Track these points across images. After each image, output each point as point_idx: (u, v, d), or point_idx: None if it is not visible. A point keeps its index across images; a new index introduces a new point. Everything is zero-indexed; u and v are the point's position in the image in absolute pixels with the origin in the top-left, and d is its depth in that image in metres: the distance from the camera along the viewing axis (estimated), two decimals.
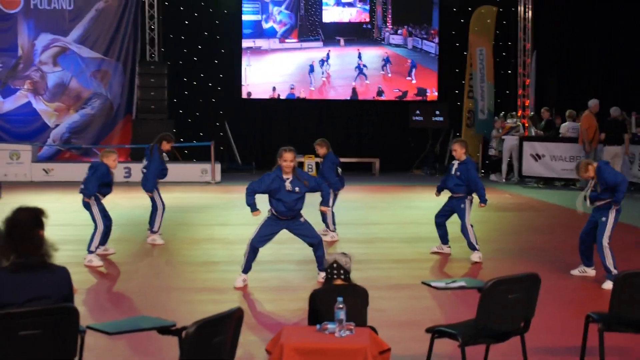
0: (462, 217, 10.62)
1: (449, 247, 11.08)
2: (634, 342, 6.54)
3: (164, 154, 12.08)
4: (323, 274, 8.88)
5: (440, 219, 10.95)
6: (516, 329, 5.70)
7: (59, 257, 4.94)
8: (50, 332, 4.41)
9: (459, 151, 10.70)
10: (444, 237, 11.03)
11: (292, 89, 22.57)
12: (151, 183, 11.77)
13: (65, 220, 12.66)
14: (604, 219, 9.31)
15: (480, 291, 5.56)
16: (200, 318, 4.45)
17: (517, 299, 5.62)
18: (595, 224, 9.46)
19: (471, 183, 10.53)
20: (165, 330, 5.05)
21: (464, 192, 10.64)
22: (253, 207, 8.95)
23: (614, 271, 9.19)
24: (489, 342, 5.77)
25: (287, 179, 8.75)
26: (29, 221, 4.80)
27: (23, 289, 4.58)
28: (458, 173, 10.61)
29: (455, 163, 10.72)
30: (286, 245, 10.32)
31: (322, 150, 12.25)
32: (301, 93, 22.72)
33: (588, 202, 9.52)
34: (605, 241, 9.30)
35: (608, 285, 9.17)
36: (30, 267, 4.66)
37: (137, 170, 19.76)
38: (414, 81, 23.06)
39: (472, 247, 10.70)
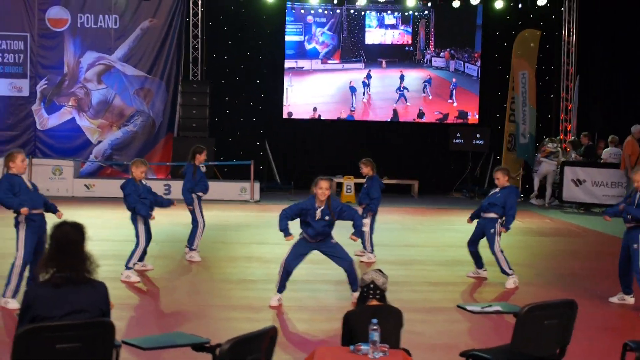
0: (491, 243, 10.52)
1: (485, 270, 11.00)
2: None
3: (202, 165, 12.17)
4: (357, 294, 8.96)
5: (473, 246, 10.89)
6: (551, 355, 5.64)
7: (98, 272, 5.00)
8: (87, 345, 4.45)
9: (501, 179, 10.64)
10: (478, 262, 10.97)
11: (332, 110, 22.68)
12: (187, 197, 11.92)
13: (105, 235, 12.74)
14: (635, 245, 9.17)
15: (516, 316, 5.51)
16: (235, 335, 4.47)
17: (553, 324, 5.57)
18: (627, 249, 9.36)
19: (507, 206, 10.43)
20: (200, 347, 5.06)
21: (497, 212, 10.52)
22: (286, 232, 9.08)
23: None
24: None
25: (319, 207, 8.89)
26: (77, 237, 4.88)
27: (64, 302, 4.64)
28: (498, 194, 10.57)
29: (497, 190, 10.68)
30: (321, 266, 10.32)
31: (366, 170, 12.31)
32: (342, 114, 22.73)
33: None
34: None
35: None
36: (73, 281, 4.72)
37: (177, 187, 19.94)
38: (455, 104, 22.96)
39: (505, 273, 10.58)
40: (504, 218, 10.55)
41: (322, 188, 8.88)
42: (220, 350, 4.38)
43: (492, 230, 10.50)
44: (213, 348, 4.92)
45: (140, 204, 10.30)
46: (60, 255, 4.79)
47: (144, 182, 10.65)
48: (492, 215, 10.55)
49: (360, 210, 11.91)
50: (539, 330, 5.51)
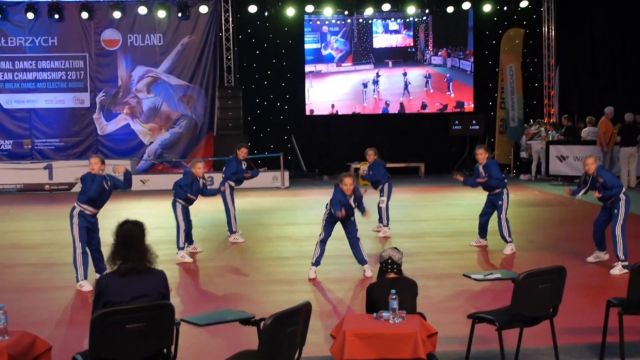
0: (500, 212, 10.55)
1: (486, 240, 10.99)
2: None
3: (242, 161, 12.25)
4: (366, 266, 9.20)
5: (484, 217, 10.88)
6: (546, 314, 5.65)
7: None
8: (151, 325, 4.50)
9: (484, 155, 10.60)
10: (483, 232, 10.95)
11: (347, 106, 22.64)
12: (223, 181, 12.10)
13: (159, 223, 12.75)
14: (616, 210, 9.17)
15: (514, 282, 5.52)
16: (274, 307, 4.49)
17: (546, 288, 5.57)
18: (608, 213, 9.33)
19: (494, 174, 10.43)
20: (246, 321, 5.11)
21: (500, 185, 10.53)
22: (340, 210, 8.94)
23: (623, 258, 9.07)
24: (522, 326, 5.72)
25: (350, 197, 8.93)
26: (138, 232, 4.92)
27: (130, 289, 4.69)
28: (484, 174, 10.50)
29: (480, 166, 10.64)
30: (345, 242, 10.32)
31: (372, 157, 12.46)
32: (356, 109, 22.70)
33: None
34: (619, 231, 9.16)
35: (615, 271, 9.05)
36: (137, 271, 4.77)
37: (218, 178, 20.00)
38: (452, 95, 22.85)
39: (505, 240, 10.59)
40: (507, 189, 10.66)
41: (347, 184, 8.87)
42: (264, 324, 4.39)
43: (500, 202, 10.53)
44: (258, 322, 4.96)
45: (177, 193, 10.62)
46: (124, 249, 4.83)
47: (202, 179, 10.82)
48: (498, 191, 10.57)
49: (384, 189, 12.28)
50: (534, 294, 5.52)
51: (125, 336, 4.44)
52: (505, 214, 10.57)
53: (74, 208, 8.91)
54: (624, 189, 9.35)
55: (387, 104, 22.78)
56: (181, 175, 10.91)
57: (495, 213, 10.67)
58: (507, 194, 10.65)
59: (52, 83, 21.64)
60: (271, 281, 9.29)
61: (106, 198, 9.11)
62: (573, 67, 22.39)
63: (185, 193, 10.45)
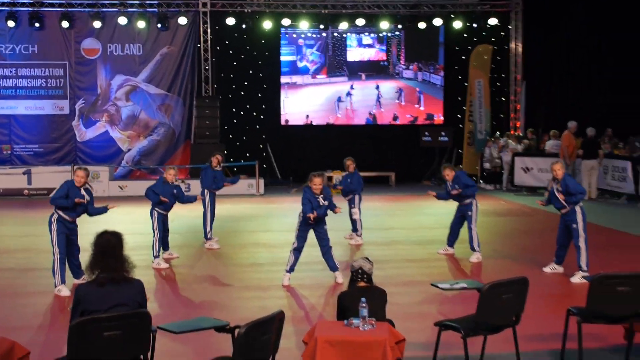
0: (470, 222, 10.67)
1: (453, 248, 11.08)
2: (608, 331, 6.51)
3: (217, 167, 12.27)
4: (337, 272, 9.23)
5: (456, 227, 10.96)
6: (509, 322, 5.72)
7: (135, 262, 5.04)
8: (128, 333, 4.50)
9: (450, 174, 10.70)
10: (452, 241, 11.04)
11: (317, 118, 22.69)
12: (202, 191, 12.13)
13: (137, 229, 12.72)
14: (574, 225, 9.26)
15: (480, 292, 5.58)
16: (248, 313, 4.50)
17: (510, 298, 5.64)
18: (566, 227, 9.43)
19: (466, 183, 10.58)
20: (221, 329, 5.12)
21: (470, 195, 10.65)
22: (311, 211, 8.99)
23: (585, 269, 9.18)
24: (486, 334, 5.78)
25: (319, 196, 8.97)
26: (116, 243, 4.90)
27: (107, 298, 4.67)
28: (456, 187, 10.62)
29: (449, 184, 10.73)
30: (318, 249, 10.34)
31: (352, 167, 12.41)
32: (330, 120, 22.76)
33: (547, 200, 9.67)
34: (582, 244, 9.28)
35: (575, 279, 9.15)
36: (115, 280, 4.74)
37: (195, 185, 19.91)
38: (422, 108, 23.00)
39: (473, 249, 10.70)
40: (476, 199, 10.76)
41: (316, 184, 8.97)
42: (239, 332, 4.42)
43: (469, 213, 10.64)
44: (232, 329, 4.97)
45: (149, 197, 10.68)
46: (103, 259, 4.82)
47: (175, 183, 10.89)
48: (468, 200, 10.66)
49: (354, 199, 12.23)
50: (498, 303, 5.58)
51: (102, 343, 4.43)
52: (475, 224, 10.69)
53: (52, 214, 8.85)
54: (585, 196, 9.50)
55: (370, 114, 22.85)
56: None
57: (466, 223, 10.77)
58: (477, 205, 10.77)
59: (31, 90, 21.45)
60: (245, 287, 9.27)
61: (82, 210, 9.09)
62: (538, 83, 22.62)
63: (157, 196, 10.43)
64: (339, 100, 22.72)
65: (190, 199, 11.32)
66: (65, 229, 8.80)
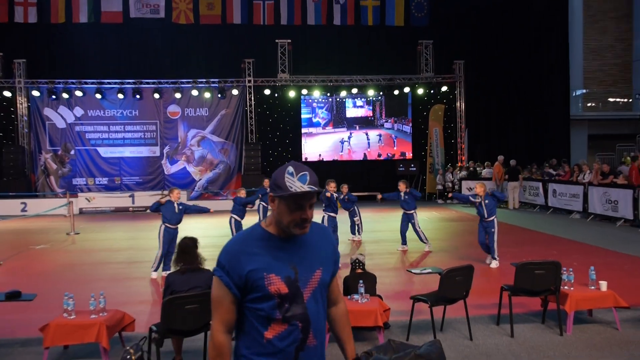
0: (414, 225, 10.53)
1: (407, 245, 10.86)
2: (528, 301, 6.48)
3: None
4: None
5: (404, 229, 10.79)
6: (461, 296, 5.71)
7: (206, 261, 5.02)
8: (202, 306, 4.51)
9: (403, 187, 10.59)
10: (404, 239, 10.85)
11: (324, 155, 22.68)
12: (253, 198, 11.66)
13: (209, 233, 12.70)
14: (493, 229, 9.08)
15: (441, 275, 5.57)
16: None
17: (461, 279, 5.63)
18: (484, 231, 9.17)
19: (414, 197, 10.51)
20: None
21: (413, 208, 10.54)
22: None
23: (497, 257, 9.06)
24: (445, 304, 5.76)
25: (333, 195, 9.51)
26: (191, 244, 4.93)
27: (187, 282, 4.70)
28: (406, 197, 10.51)
29: (402, 194, 10.60)
30: None
31: (345, 189, 11.84)
32: (335, 157, 22.77)
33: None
34: (495, 244, 9.12)
35: (493, 265, 9.02)
36: (192, 270, 4.78)
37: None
38: (396, 148, 22.98)
39: (423, 242, 10.62)
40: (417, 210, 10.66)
41: (331, 186, 9.64)
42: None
43: (412, 220, 10.55)
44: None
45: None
46: (183, 255, 4.85)
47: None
48: (411, 211, 10.56)
49: (356, 210, 12.17)
50: (453, 283, 5.57)
51: (185, 313, 4.47)
52: (419, 225, 10.52)
53: (160, 225, 8.69)
54: (505, 198, 9.40)
55: (363, 153, 22.87)
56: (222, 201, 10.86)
57: (411, 226, 10.65)
58: (417, 213, 10.61)
59: (134, 140, 21.63)
60: None
61: (180, 217, 8.74)
62: (477, 129, 22.62)
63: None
64: (342, 142, 22.70)
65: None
66: (168, 235, 8.64)
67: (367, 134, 22.90)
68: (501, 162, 18.66)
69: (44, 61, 21.11)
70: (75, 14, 20.95)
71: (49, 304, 6.72)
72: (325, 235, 2.29)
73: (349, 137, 22.86)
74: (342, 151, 22.86)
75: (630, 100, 24.98)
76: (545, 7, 23.33)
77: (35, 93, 20.73)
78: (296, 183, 2.09)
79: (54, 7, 20.88)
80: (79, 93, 20.78)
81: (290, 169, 2.12)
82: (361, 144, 22.93)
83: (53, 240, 13.12)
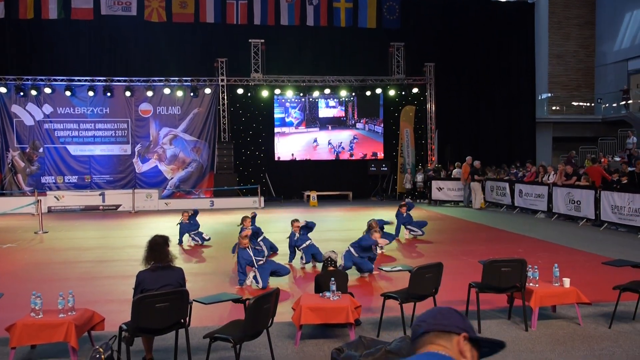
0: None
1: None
2: (496, 298, 6.57)
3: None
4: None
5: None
6: (431, 293, 5.75)
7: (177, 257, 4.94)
8: (173, 304, 4.47)
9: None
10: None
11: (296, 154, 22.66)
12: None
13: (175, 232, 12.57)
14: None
15: (411, 272, 5.62)
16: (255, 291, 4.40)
17: (431, 276, 5.68)
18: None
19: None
20: (237, 300, 5.08)
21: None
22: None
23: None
24: (415, 301, 5.80)
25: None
26: (162, 242, 4.86)
27: (158, 280, 4.63)
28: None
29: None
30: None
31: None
32: (307, 156, 22.76)
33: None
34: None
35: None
36: (162, 268, 4.71)
37: (218, 202, 19.77)
38: (369, 148, 23.10)
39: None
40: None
41: (294, 226, 9.30)
42: (249, 302, 4.39)
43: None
44: (244, 301, 4.93)
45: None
46: (154, 253, 4.77)
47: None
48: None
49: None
50: (423, 280, 5.62)
51: (155, 312, 4.40)
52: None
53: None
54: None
55: (335, 153, 22.92)
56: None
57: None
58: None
59: (104, 138, 21.20)
60: None
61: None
62: (447, 130, 22.91)
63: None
64: (314, 142, 22.70)
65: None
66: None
67: (340, 134, 22.92)
68: (469, 163, 18.95)
69: (11, 57, 20.53)
70: (44, 10, 20.42)
71: (16, 304, 6.54)
72: None
73: (321, 137, 22.84)
74: (314, 151, 22.83)
75: (593, 104, 25.69)
76: (513, 12, 23.81)
77: (2, 89, 20.14)
78: None
79: (22, 2, 20.32)
80: (48, 90, 20.27)
81: None
82: (333, 144, 22.96)
83: (21, 239, 12.77)
